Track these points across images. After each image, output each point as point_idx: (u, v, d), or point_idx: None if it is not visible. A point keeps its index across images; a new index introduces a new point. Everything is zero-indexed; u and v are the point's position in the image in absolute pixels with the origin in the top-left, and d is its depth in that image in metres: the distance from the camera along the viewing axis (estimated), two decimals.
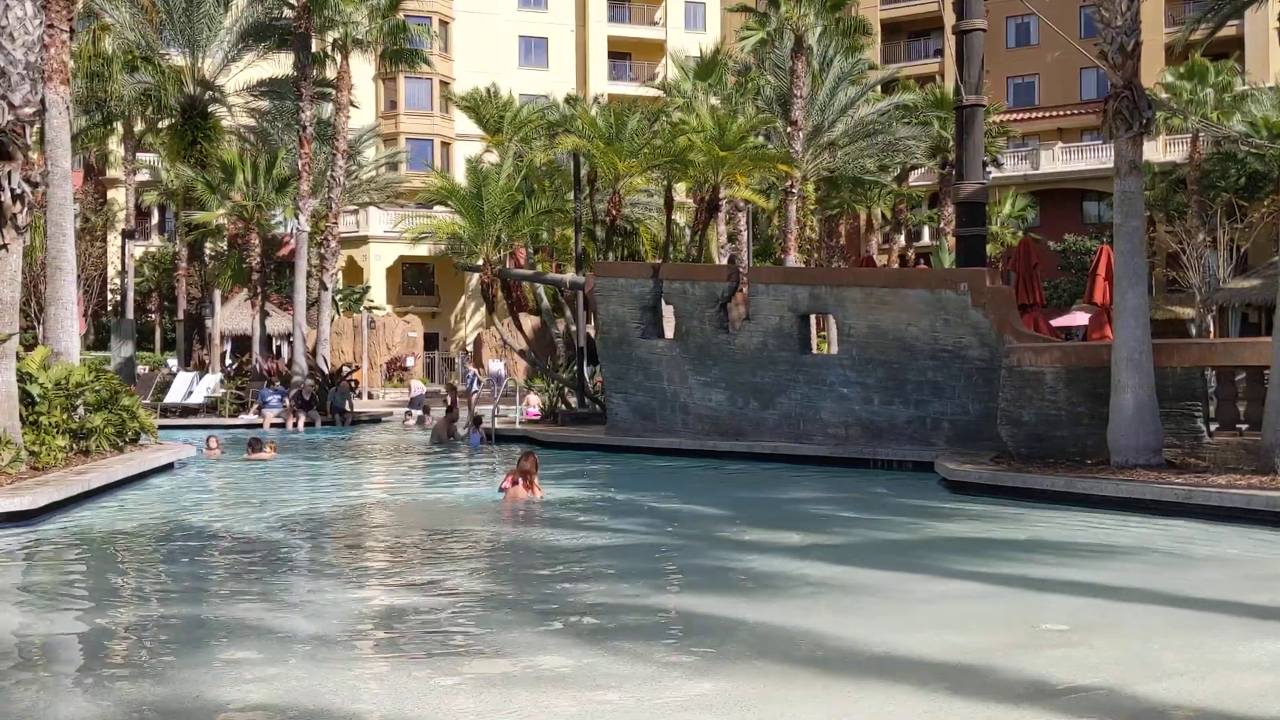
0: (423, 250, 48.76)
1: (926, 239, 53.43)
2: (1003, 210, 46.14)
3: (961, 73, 19.40)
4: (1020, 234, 42.96)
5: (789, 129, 33.70)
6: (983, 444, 15.24)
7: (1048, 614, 7.46)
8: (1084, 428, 13.60)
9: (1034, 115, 56.13)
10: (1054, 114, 56.00)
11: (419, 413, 29.35)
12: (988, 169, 27.75)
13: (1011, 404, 14.13)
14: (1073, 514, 11.42)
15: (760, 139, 31.01)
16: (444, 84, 56.12)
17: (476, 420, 22.69)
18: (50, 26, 15.59)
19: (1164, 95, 43.85)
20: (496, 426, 22.49)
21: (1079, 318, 39.36)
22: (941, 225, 45.78)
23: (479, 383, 36.73)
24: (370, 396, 38.11)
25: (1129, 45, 13.23)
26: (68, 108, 17.26)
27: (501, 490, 13.06)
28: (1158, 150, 46.65)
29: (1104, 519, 11.14)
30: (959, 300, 15.93)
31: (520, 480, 12.95)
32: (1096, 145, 51.23)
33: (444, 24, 58.00)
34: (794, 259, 33.46)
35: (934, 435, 16.47)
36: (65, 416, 14.63)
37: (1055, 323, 32.14)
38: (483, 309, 44.42)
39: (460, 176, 37.44)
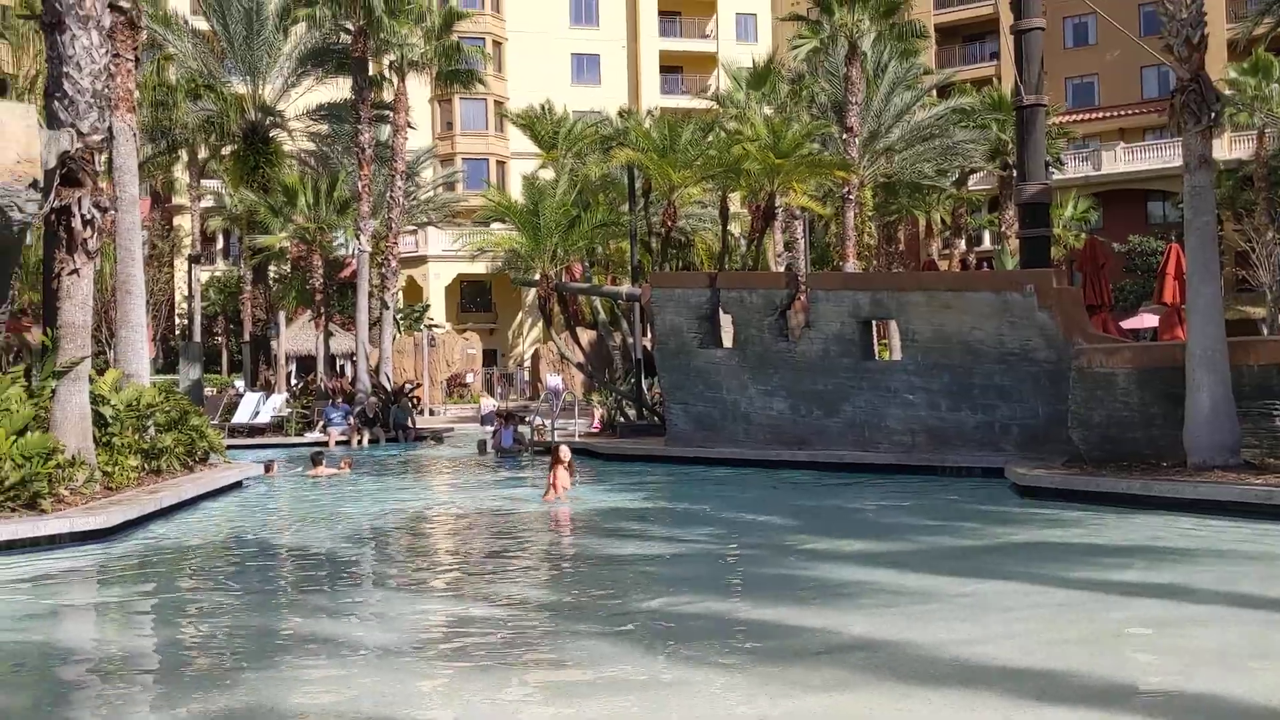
0: (480, 268, 49.18)
1: (987, 243, 52.73)
2: (1065, 213, 45.38)
3: (1020, 73, 19.11)
4: (1083, 236, 42.22)
5: (844, 135, 33.45)
6: (1053, 448, 14.93)
7: (1129, 618, 7.25)
8: (1158, 429, 13.27)
9: (1094, 116, 55.22)
10: (1115, 114, 55.04)
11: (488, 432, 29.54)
12: (1050, 170, 27.31)
13: (1082, 406, 13.84)
14: (1149, 517, 11.14)
15: (816, 145, 30.82)
16: (498, 103, 56.59)
17: (506, 417, 23.26)
18: (116, 56, 15.93)
19: (1228, 91, 42.90)
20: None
21: (1148, 319, 38.55)
22: (1002, 229, 45.15)
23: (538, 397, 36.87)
24: (431, 413, 38.40)
25: (1195, 37, 12.95)
26: (134, 135, 17.63)
27: (561, 490, 13.73)
28: (1223, 148, 45.62)
29: (1182, 522, 10.85)
30: (1025, 302, 15.65)
31: (561, 470, 13.97)
32: (1160, 144, 50.24)
33: (497, 44, 58.52)
34: (853, 266, 33.16)
35: (1003, 440, 16.18)
36: (137, 437, 14.89)
37: (1124, 325, 31.54)
38: (540, 324, 44.59)
39: (516, 194, 37.68)
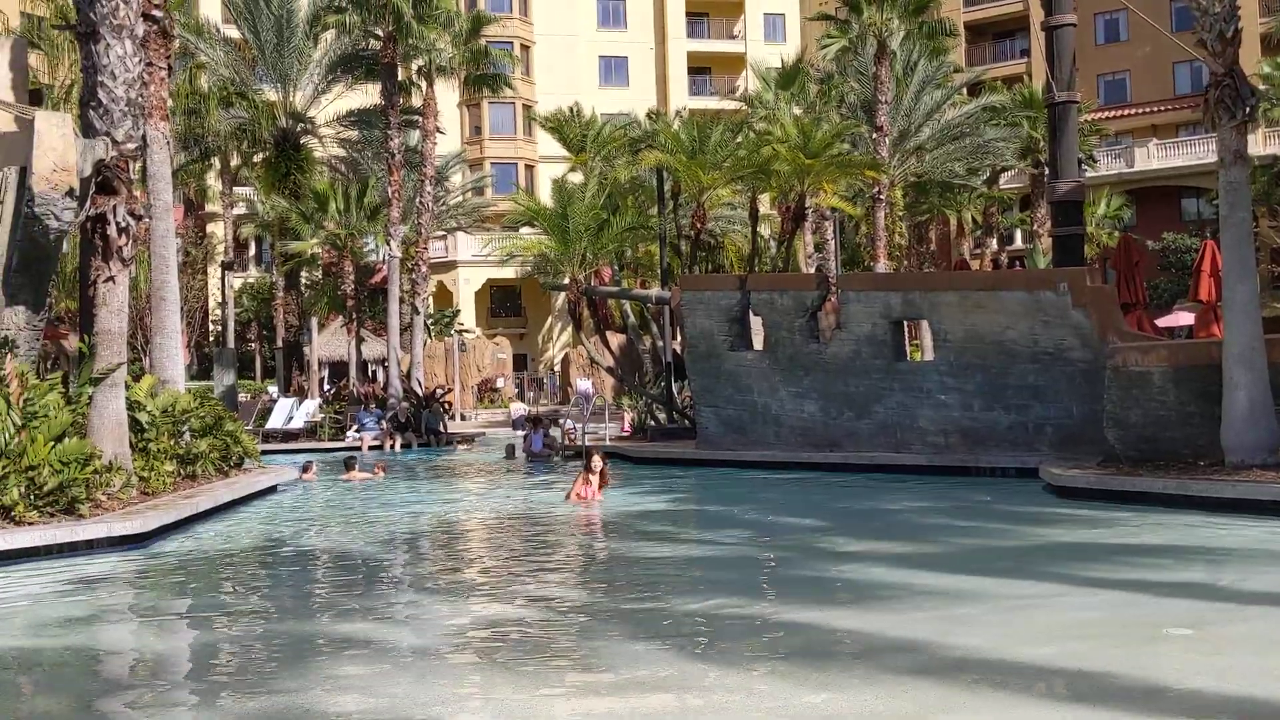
0: (509, 272, 49.33)
1: (1019, 242, 52.33)
2: (1098, 210, 44.93)
3: (1052, 69, 18.94)
4: (1116, 234, 41.78)
5: (874, 135, 33.29)
6: (1088, 448, 14.78)
7: (1169, 619, 7.17)
8: (1195, 428, 13.11)
9: (1126, 112, 54.65)
10: (1147, 110, 54.45)
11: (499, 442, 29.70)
12: (1083, 167, 27.05)
13: (1118, 406, 13.69)
14: (1187, 517, 11.01)
15: (846, 145, 30.70)
16: (527, 107, 56.73)
17: (535, 421, 23.50)
18: (149, 65, 16.08)
19: (1262, 86, 42.31)
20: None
21: (1183, 317, 38.10)
22: (1034, 228, 44.78)
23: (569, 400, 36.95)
24: (463, 418, 38.54)
25: (1229, 32, 12.80)
26: (168, 143, 17.79)
27: (577, 497, 13.69)
28: (1257, 143, 44.98)
29: (1220, 521, 10.72)
30: (1059, 301, 15.51)
31: (592, 478, 13.87)
32: (1193, 140, 49.65)
33: (525, 48, 58.67)
34: (884, 266, 33.00)
35: (1037, 440, 16.05)
36: (172, 443, 15.02)
37: (1160, 323, 31.18)
38: (569, 328, 44.70)
39: (545, 198, 37.79)
